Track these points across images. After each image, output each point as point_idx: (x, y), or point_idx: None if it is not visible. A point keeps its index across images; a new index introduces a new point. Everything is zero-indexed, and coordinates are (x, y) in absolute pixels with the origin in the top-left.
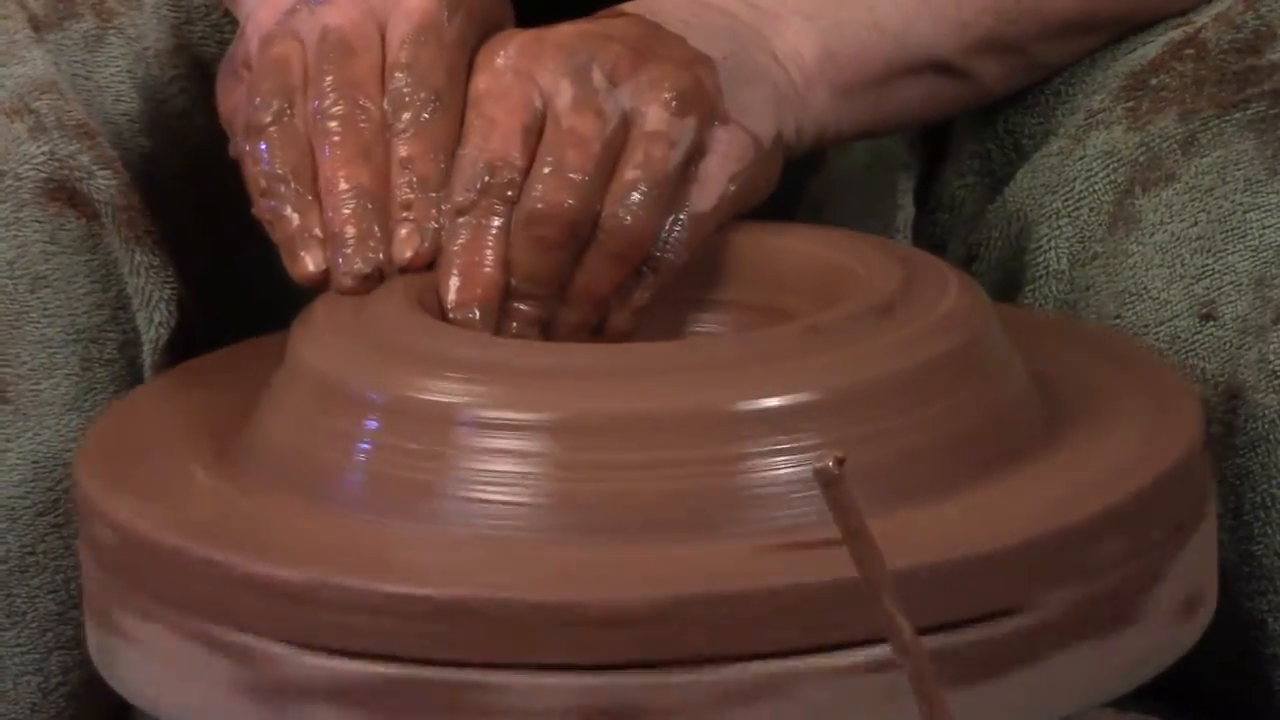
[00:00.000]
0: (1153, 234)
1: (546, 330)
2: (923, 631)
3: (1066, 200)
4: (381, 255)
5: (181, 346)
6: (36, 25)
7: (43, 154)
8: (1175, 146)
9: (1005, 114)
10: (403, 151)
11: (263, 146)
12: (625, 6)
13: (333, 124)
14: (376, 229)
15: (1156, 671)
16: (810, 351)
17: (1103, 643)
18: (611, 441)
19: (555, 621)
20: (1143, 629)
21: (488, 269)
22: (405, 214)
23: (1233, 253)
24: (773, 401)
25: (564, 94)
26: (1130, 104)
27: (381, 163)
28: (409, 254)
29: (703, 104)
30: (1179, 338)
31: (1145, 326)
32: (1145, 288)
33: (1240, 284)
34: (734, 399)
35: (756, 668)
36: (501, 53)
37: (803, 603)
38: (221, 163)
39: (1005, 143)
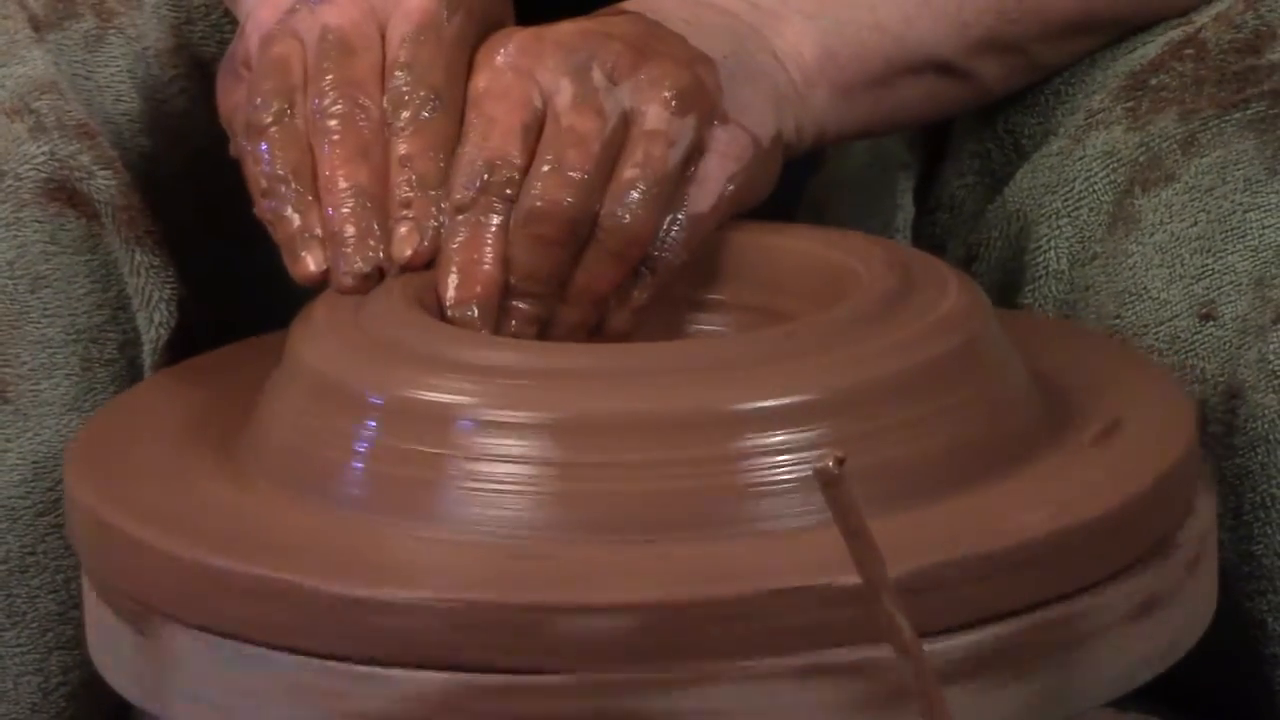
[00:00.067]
0: (1152, 234)
1: (545, 330)
2: (923, 634)
3: (1066, 200)
4: (381, 254)
5: (181, 346)
6: (37, 25)
7: (43, 154)
8: (1175, 146)
9: (1005, 114)
10: (402, 150)
11: (263, 147)
12: (625, 5)
13: (332, 123)
14: (376, 228)
15: (1158, 671)
16: (810, 351)
17: (1103, 645)
18: (611, 441)
19: (554, 622)
20: (1142, 630)
21: (487, 267)
22: (405, 213)
23: (1232, 253)
24: (773, 401)
25: (564, 92)
26: (1130, 104)
27: (381, 162)
28: (408, 252)
29: (703, 103)
30: (1179, 338)
31: (1145, 326)
32: (1145, 288)
33: (1240, 284)
34: (734, 399)
35: (757, 670)
36: (501, 51)
37: (803, 605)
38: (222, 162)
39: (1005, 143)
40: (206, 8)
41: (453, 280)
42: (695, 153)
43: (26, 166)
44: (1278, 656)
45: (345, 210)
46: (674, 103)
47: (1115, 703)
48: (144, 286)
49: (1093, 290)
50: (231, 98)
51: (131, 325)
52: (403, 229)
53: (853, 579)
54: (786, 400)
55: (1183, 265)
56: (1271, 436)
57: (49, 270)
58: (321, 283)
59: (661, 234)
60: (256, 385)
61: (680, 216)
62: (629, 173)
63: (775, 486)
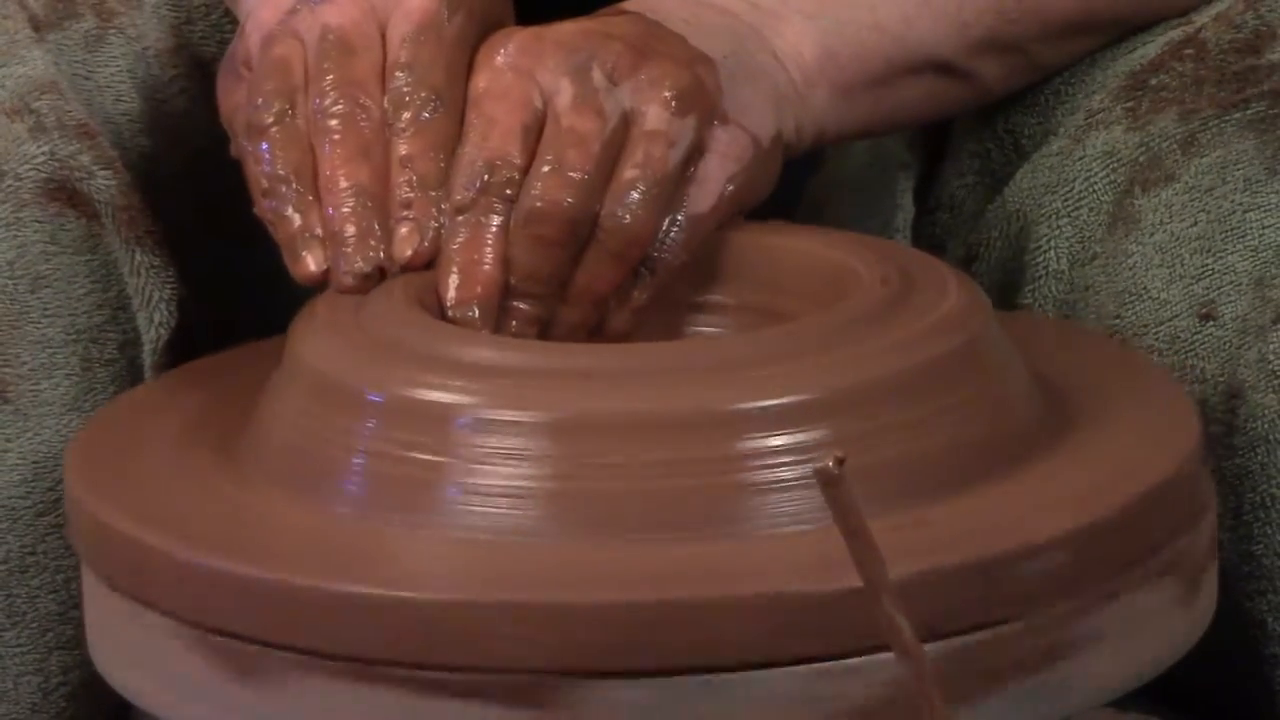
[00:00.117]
0: (1152, 234)
1: (546, 330)
2: (923, 636)
3: (1066, 200)
4: (382, 254)
5: (181, 346)
6: (37, 25)
7: (43, 154)
8: (1175, 146)
9: (1005, 114)
10: (402, 150)
11: (264, 147)
12: (626, 5)
13: (333, 123)
14: (377, 228)
15: (1158, 671)
16: (810, 351)
17: (1103, 645)
18: (611, 441)
19: (555, 623)
20: (1142, 630)
21: (487, 267)
22: (405, 213)
23: (1232, 253)
24: (773, 401)
25: (564, 93)
26: (1130, 104)
27: (381, 162)
28: (409, 253)
29: (703, 103)
30: (1179, 338)
31: (1145, 326)
32: (1145, 288)
33: (1240, 284)
34: (734, 399)
35: (757, 670)
36: (501, 51)
37: (803, 605)
38: (222, 162)
39: (1005, 143)
40: (207, 8)
41: (453, 281)
42: (695, 153)
43: (26, 166)
44: (1278, 656)
45: (346, 210)
46: (674, 103)
47: (1115, 703)
48: (144, 286)
49: (1093, 290)
50: (232, 98)
51: (131, 325)
52: (403, 229)
53: (853, 580)
54: (786, 400)
55: (1183, 265)
56: (1271, 436)
57: (49, 270)
58: (322, 282)
59: (661, 234)
60: (257, 387)
61: (680, 217)
62: (629, 173)
63: (775, 486)
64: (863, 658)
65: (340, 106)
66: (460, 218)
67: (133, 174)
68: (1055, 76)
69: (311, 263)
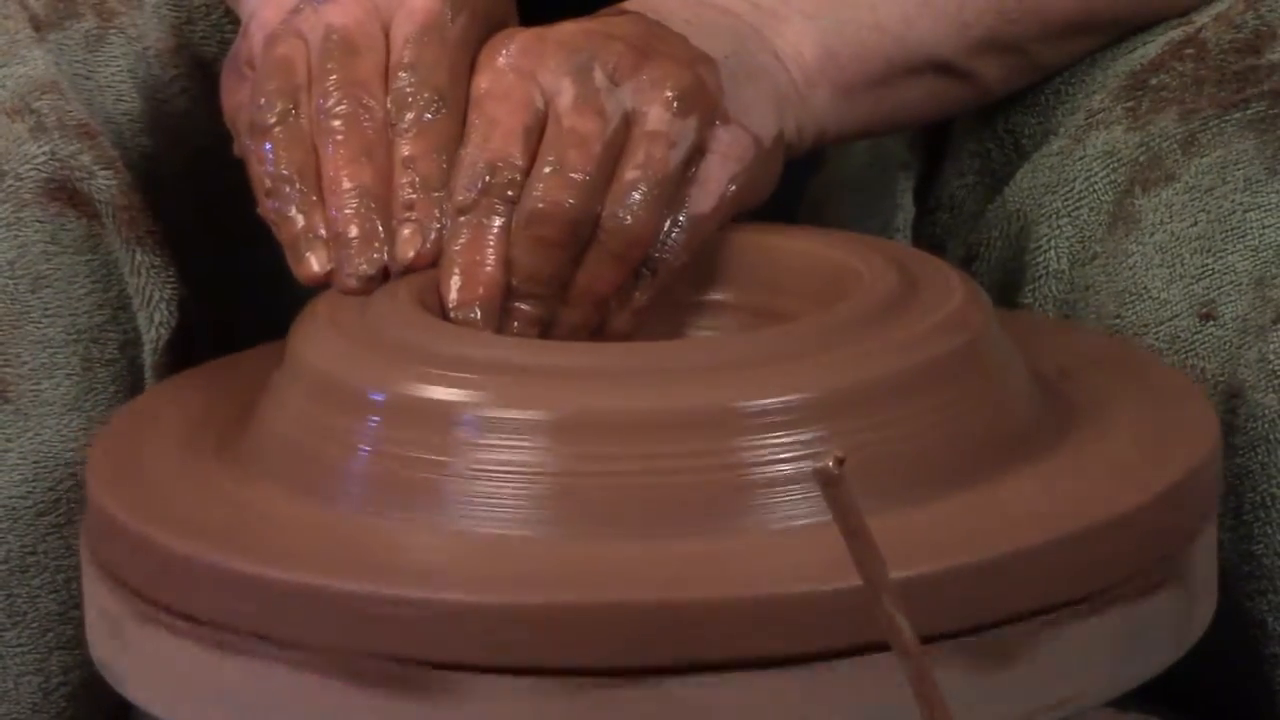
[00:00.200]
0: (1153, 234)
1: (547, 331)
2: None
3: (1066, 200)
4: (385, 255)
5: (182, 347)
6: (37, 25)
7: (44, 154)
8: (1175, 146)
9: (1005, 114)
10: (405, 151)
11: (267, 146)
12: (627, 5)
13: (336, 123)
14: (380, 229)
15: (1158, 671)
16: (811, 351)
17: (1104, 645)
18: (612, 440)
19: (553, 622)
20: (1143, 631)
21: (489, 268)
22: (408, 214)
23: (1233, 252)
24: (773, 401)
25: (565, 93)
26: (1130, 104)
27: (385, 162)
28: (411, 254)
29: (704, 103)
30: (1179, 338)
31: (1145, 326)
32: (1145, 288)
33: (1240, 284)
34: (735, 398)
35: (757, 669)
36: (503, 51)
37: (803, 605)
38: (223, 162)
39: (1005, 142)
40: (207, 7)
41: (455, 282)
42: (696, 153)
43: (27, 166)
44: (1278, 656)
45: (349, 211)
46: (675, 104)
47: (1115, 702)
48: (144, 286)
49: (1093, 290)
50: (235, 97)
51: (132, 325)
52: (406, 230)
53: (853, 579)
54: (787, 399)
55: (1183, 265)
56: (1271, 436)
57: (50, 270)
58: (325, 283)
59: (663, 235)
60: (260, 388)
61: (681, 218)
62: (630, 174)
63: (776, 485)
64: (863, 657)
65: (343, 107)
66: (462, 219)
67: (133, 174)
68: (1055, 76)
69: (315, 264)
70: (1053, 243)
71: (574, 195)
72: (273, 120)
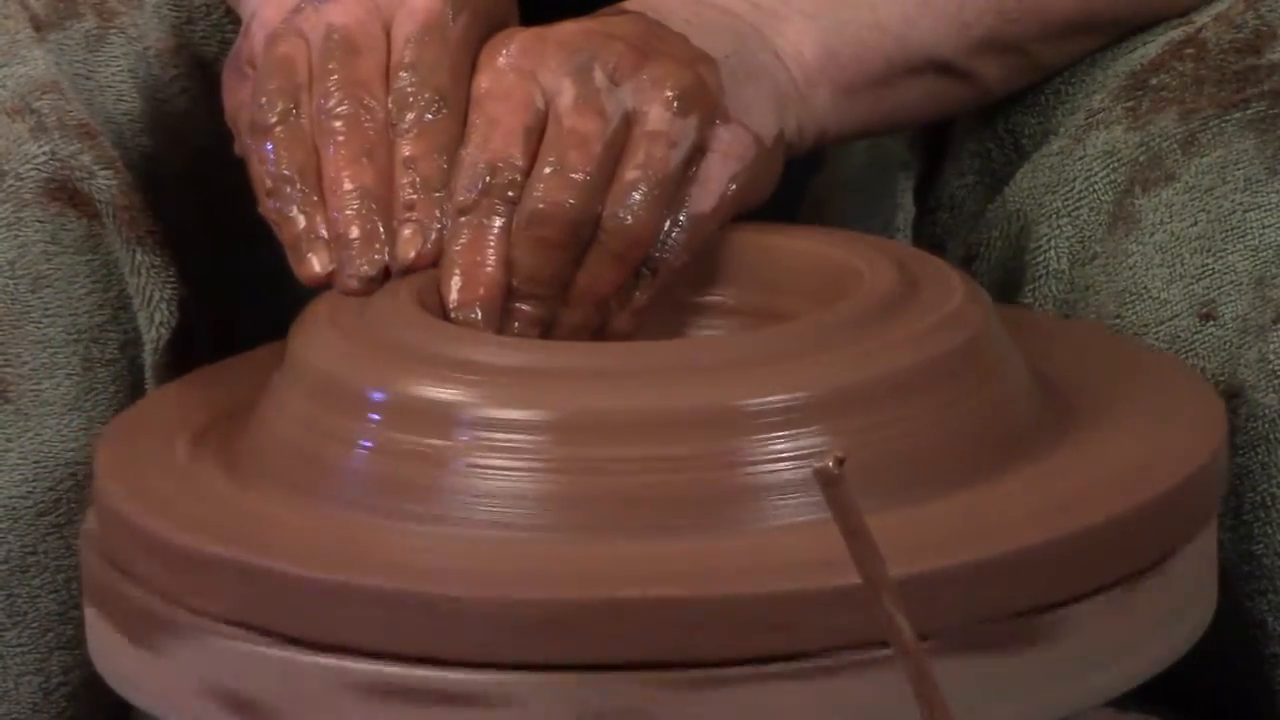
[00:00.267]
0: (1153, 234)
1: (548, 332)
2: (923, 634)
3: (1066, 200)
4: (385, 256)
5: (182, 347)
6: (38, 25)
7: (44, 154)
8: (1175, 146)
9: (1005, 114)
10: (406, 151)
11: (269, 146)
12: (627, 4)
13: (337, 124)
14: (380, 230)
15: (1158, 670)
16: (811, 350)
17: (1104, 644)
18: (613, 440)
19: (554, 621)
20: (1143, 630)
21: (489, 269)
22: (408, 214)
23: (1233, 252)
24: (773, 400)
25: (566, 93)
26: (1130, 104)
27: (386, 163)
28: (412, 254)
29: (704, 103)
30: (1179, 338)
31: (1145, 326)
32: (1145, 288)
33: (1240, 284)
34: (735, 397)
35: (757, 668)
36: (504, 51)
37: (803, 604)
38: (223, 162)
39: (1005, 142)
40: (208, 7)
41: (456, 283)
42: (697, 153)
43: (28, 166)
44: (1278, 656)
45: (350, 212)
46: (676, 103)
47: (1115, 702)
48: (145, 286)
49: (1093, 290)
50: (236, 96)
51: (132, 325)
52: (407, 231)
53: (853, 579)
54: (787, 399)
55: (1183, 265)
56: (1271, 436)
57: (50, 270)
58: (326, 283)
59: (663, 235)
60: (261, 389)
61: (682, 217)
62: (631, 174)
63: (776, 485)
64: (863, 656)
65: (345, 108)
66: (462, 219)
67: (134, 174)
68: (1055, 76)
69: (317, 264)
70: (1053, 242)
71: (574, 195)
72: (274, 120)
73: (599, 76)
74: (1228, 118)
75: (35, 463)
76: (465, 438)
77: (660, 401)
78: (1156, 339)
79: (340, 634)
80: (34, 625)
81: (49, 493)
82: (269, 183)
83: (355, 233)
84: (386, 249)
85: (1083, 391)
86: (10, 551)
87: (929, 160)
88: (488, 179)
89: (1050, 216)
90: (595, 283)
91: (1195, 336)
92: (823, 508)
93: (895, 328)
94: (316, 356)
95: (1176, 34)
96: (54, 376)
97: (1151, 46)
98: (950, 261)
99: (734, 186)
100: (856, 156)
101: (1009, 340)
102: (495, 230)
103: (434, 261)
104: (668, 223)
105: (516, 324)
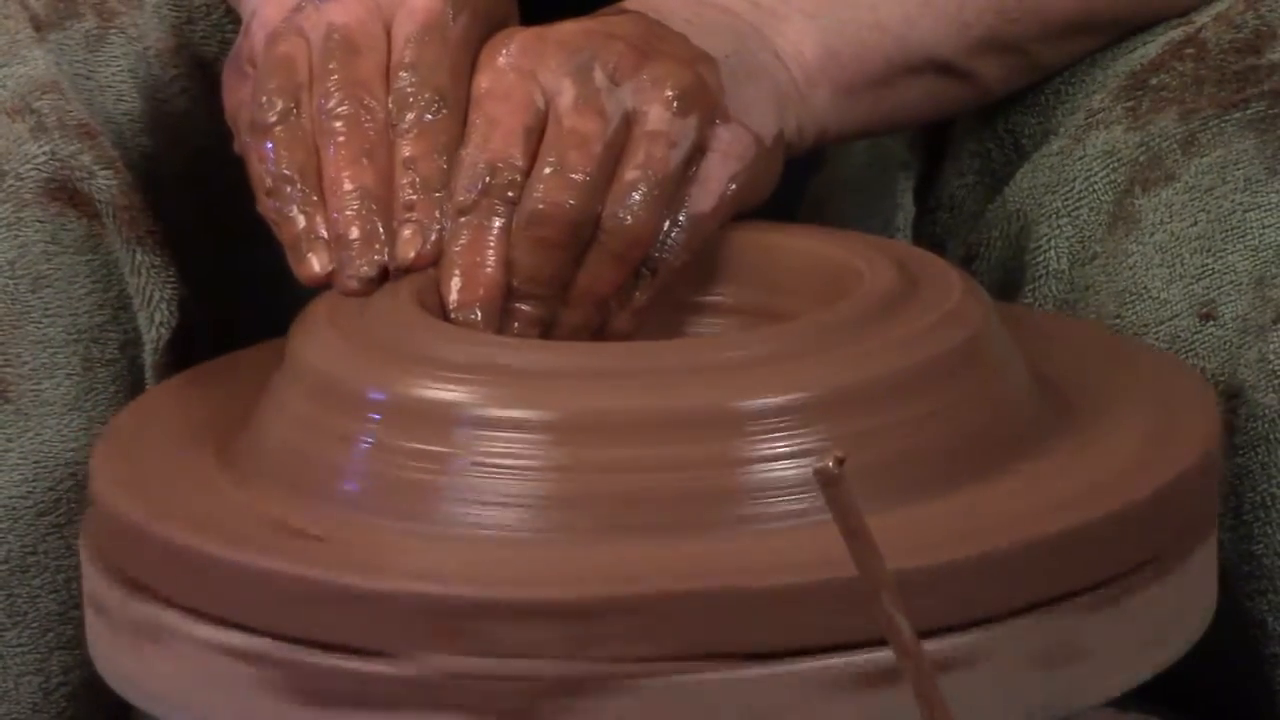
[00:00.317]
0: (1153, 234)
1: (548, 332)
2: (923, 634)
3: (1066, 200)
4: (385, 256)
5: (182, 347)
6: (38, 25)
7: (44, 154)
8: (1175, 146)
9: (1005, 114)
10: (406, 152)
11: (268, 145)
12: (627, 4)
13: (338, 124)
14: (380, 230)
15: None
16: (811, 350)
17: (1103, 643)
18: (612, 440)
19: (556, 619)
20: (1142, 630)
21: (489, 269)
22: (408, 215)
23: (1233, 252)
24: (773, 400)
25: (566, 93)
26: (1130, 104)
27: (386, 163)
28: (412, 255)
29: (704, 102)
30: (1179, 337)
31: (1145, 326)
32: (1145, 288)
33: (1240, 284)
34: (735, 397)
35: (758, 667)
36: (504, 51)
37: (803, 604)
38: (223, 162)
39: (1005, 142)
40: (208, 7)
41: (455, 284)
42: (697, 153)
43: (28, 166)
44: (1278, 656)
45: (350, 213)
46: (675, 103)
47: (1115, 702)
48: (145, 286)
49: (1093, 290)
50: (236, 94)
51: (132, 325)
52: (406, 231)
53: (851, 575)
54: (787, 399)
55: (1183, 265)
56: (1271, 436)
57: (50, 270)
58: (325, 284)
59: (663, 235)
60: (260, 388)
61: (682, 217)
62: (630, 174)
63: (776, 485)
64: (863, 656)
65: (345, 108)
66: (462, 219)
67: (134, 174)
68: (1055, 76)
69: (316, 265)
70: (1053, 242)
71: (574, 196)
72: (274, 119)
73: (599, 76)
74: (1228, 118)
75: (35, 463)
76: (465, 438)
77: (660, 402)
78: (1156, 339)
79: (340, 635)
80: (34, 625)
81: (49, 493)
82: (269, 182)
83: (355, 233)
84: (386, 249)
85: (1083, 391)
86: (10, 551)
87: (929, 160)
88: (488, 179)
89: (1050, 216)
90: (595, 283)
91: (1195, 336)
92: (823, 507)
93: (895, 327)
94: (316, 357)
95: (1176, 34)
96: (54, 376)
97: (1151, 46)
98: (950, 261)
99: (734, 186)
100: (856, 156)
101: (1009, 339)
102: (495, 230)
103: (434, 262)
104: (667, 223)
105: (516, 324)
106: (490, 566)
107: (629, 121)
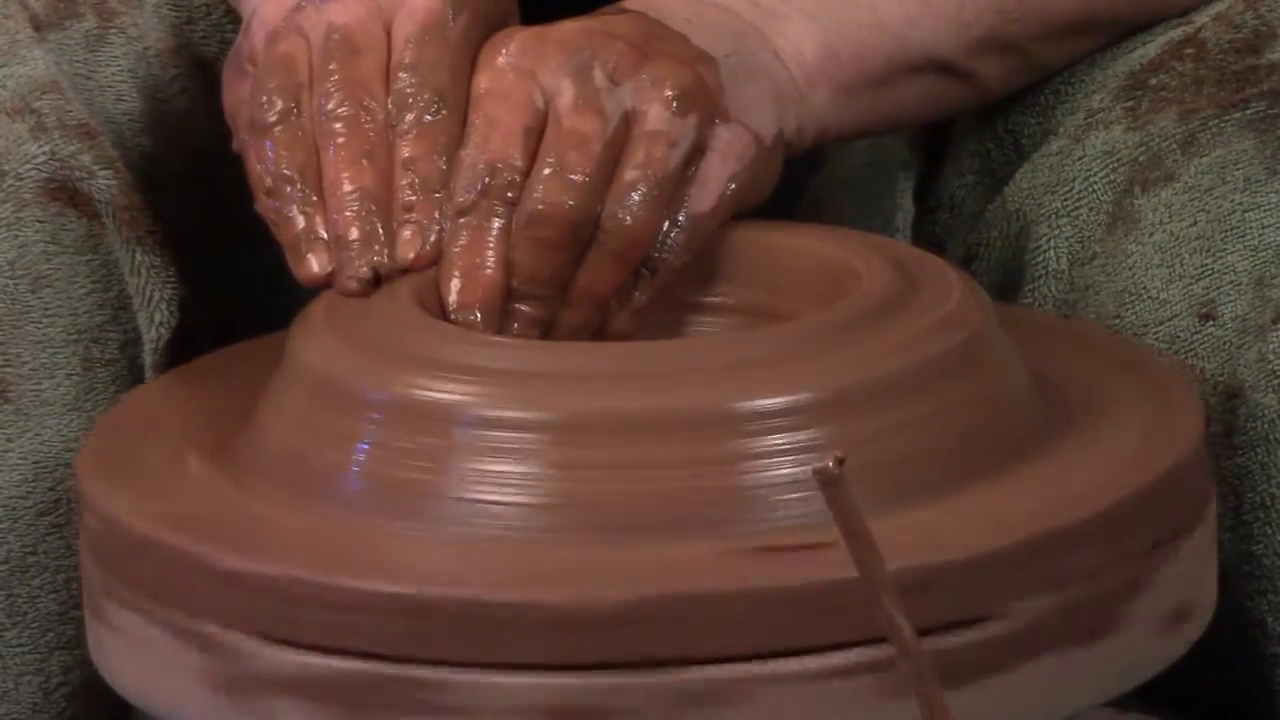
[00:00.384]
0: (1152, 234)
1: (548, 332)
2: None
3: (1066, 200)
4: (385, 257)
5: (182, 346)
6: (38, 25)
7: (44, 154)
8: (1175, 146)
9: (1005, 114)
10: (405, 152)
11: (268, 145)
12: (627, 4)
13: (337, 125)
14: (380, 231)
15: (1148, 677)
16: (810, 351)
17: (1103, 643)
18: (611, 441)
19: (555, 620)
20: (1142, 629)
21: (489, 270)
22: (408, 215)
23: (1232, 252)
24: (773, 401)
25: (565, 93)
26: (1130, 104)
27: (385, 164)
28: (411, 255)
29: (704, 102)
30: (1179, 338)
31: (1145, 326)
32: (1145, 288)
33: (1240, 284)
34: (734, 398)
35: (758, 667)
36: (503, 51)
37: (803, 604)
38: (223, 162)
39: (1005, 142)
40: (208, 7)
41: (455, 284)
42: (696, 152)
43: (27, 166)
44: (1278, 656)
45: (349, 214)
46: (675, 103)
47: (1115, 702)
48: (145, 286)
49: (1093, 290)
50: (236, 93)
51: (132, 325)
52: (406, 232)
53: (851, 575)
54: (786, 400)
55: (1182, 265)
56: (1271, 436)
57: (50, 270)
58: (325, 284)
59: (663, 235)
60: (259, 386)
61: (681, 217)
62: (630, 174)
63: (776, 486)
64: (863, 656)
65: (345, 109)
66: (462, 220)
67: (134, 174)
68: (1055, 76)
69: (316, 265)
70: (1052, 243)
71: (574, 196)
72: (274, 119)
73: (599, 76)
74: (1227, 118)
75: (35, 463)
76: (464, 439)
77: (660, 402)
78: (1156, 339)
79: (338, 636)
80: (34, 625)
81: (49, 493)
82: (269, 181)
83: (354, 234)
84: (386, 250)
85: (1082, 391)
86: (10, 551)
87: (929, 160)
88: (487, 180)
89: (1050, 216)
90: (595, 283)
91: (1195, 336)
92: (823, 508)
93: (894, 328)
94: (316, 357)
95: (1176, 34)
96: (54, 376)
97: (1151, 46)
98: (950, 261)
99: (733, 186)
100: (856, 156)
101: (1008, 340)
102: (495, 231)
103: (433, 262)
104: (667, 223)
105: (516, 325)
106: (490, 567)
107: (628, 121)
